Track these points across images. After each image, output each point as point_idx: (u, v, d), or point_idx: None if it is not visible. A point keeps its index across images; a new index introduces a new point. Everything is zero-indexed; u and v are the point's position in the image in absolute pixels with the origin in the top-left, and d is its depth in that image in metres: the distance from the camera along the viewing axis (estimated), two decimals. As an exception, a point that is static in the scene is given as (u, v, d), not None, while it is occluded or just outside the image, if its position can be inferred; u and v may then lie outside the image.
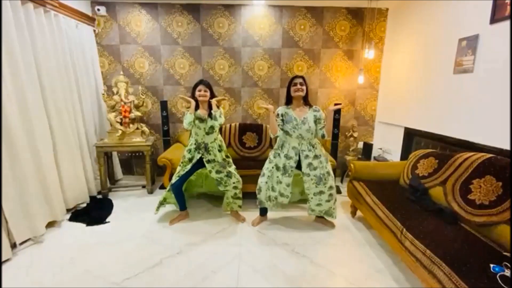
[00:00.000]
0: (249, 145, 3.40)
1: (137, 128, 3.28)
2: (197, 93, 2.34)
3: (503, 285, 1.26)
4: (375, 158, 3.67)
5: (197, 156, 2.45)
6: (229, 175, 2.52)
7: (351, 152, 3.76)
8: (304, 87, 2.27)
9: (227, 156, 2.59)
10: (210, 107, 2.38)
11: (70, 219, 2.68)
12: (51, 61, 2.57)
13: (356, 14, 3.54)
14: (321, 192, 2.36)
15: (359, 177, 2.69)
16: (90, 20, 3.31)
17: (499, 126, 1.98)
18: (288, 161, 2.32)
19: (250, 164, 3.07)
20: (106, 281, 1.85)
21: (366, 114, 3.87)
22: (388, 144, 3.59)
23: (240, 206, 2.71)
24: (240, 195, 2.67)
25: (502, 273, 1.32)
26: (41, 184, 2.39)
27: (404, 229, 1.82)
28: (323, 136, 2.33)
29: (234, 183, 2.56)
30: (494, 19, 2.03)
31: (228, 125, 3.49)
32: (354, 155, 3.76)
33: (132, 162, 3.95)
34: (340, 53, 3.66)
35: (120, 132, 3.14)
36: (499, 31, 1.99)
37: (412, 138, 3.13)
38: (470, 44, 2.22)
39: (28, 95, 2.26)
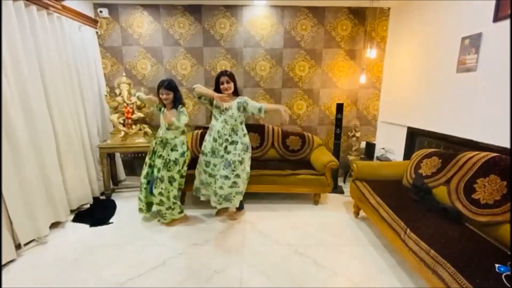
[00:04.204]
0: (251, 146, 3.39)
1: (140, 129, 3.30)
2: (160, 96, 2.43)
3: (508, 285, 1.25)
4: (377, 158, 3.65)
5: (153, 146, 2.52)
6: (161, 178, 2.42)
7: (354, 152, 3.75)
8: (231, 84, 2.44)
9: (183, 164, 2.51)
10: (174, 107, 2.45)
11: (74, 220, 2.69)
12: (54, 63, 2.59)
13: (358, 14, 3.53)
14: (226, 177, 2.46)
15: (362, 177, 2.68)
16: (92, 22, 3.33)
17: (503, 124, 1.96)
18: (215, 143, 2.51)
19: (251, 165, 3.05)
20: (109, 282, 1.86)
21: (369, 114, 3.86)
22: (390, 144, 3.57)
23: (166, 219, 2.56)
24: (162, 210, 2.50)
25: (507, 273, 1.31)
26: (44, 185, 2.41)
27: (408, 229, 1.81)
28: (258, 110, 2.43)
29: (162, 189, 2.43)
30: (497, 18, 2.02)
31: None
32: (357, 155, 3.75)
33: (135, 163, 3.95)
34: (342, 53, 3.65)
35: (123, 133, 3.16)
36: (503, 29, 1.98)
37: (415, 138, 3.12)
38: (473, 42, 2.21)
39: (31, 97, 2.27)
